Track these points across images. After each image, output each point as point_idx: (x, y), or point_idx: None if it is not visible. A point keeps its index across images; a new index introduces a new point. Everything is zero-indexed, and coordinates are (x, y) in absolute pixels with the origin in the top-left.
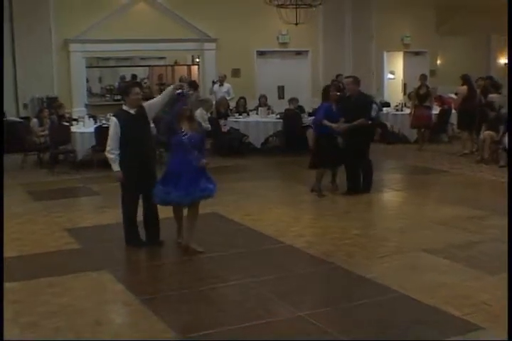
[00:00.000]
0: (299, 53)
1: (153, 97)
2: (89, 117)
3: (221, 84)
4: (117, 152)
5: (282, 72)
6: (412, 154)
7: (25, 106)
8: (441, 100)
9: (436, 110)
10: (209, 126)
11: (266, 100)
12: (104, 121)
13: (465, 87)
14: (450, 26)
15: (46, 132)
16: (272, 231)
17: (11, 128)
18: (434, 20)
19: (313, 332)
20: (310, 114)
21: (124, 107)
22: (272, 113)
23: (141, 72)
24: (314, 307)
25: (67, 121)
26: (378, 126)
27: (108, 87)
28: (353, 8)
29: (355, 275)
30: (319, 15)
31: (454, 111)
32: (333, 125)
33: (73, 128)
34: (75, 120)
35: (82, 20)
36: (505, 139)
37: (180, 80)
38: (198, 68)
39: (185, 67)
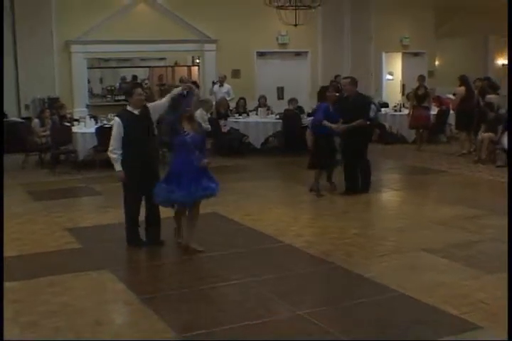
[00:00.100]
0: (298, 54)
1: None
2: (91, 117)
3: (221, 85)
4: (120, 152)
5: (282, 73)
6: (411, 154)
7: (26, 106)
8: (439, 101)
9: (434, 111)
10: (209, 126)
11: (265, 101)
12: (105, 122)
13: (463, 88)
14: (448, 28)
15: (47, 132)
16: (271, 230)
17: (13, 129)
18: (433, 21)
19: (313, 332)
20: (309, 115)
21: (128, 108)
22: (272, 113)
23: (141, 73)
24: (314, 306)
25: (68, 122)
26: (377, 127)
27: (109, 88)
28: (351, 10)
29: (354, 275)
30: (318, 16)
31: (452, 111)
32: (333, 125)
33: (74, 129)
34: (76, 120)
35: (83, 21)
36: (504, 139)
37: (181, 81)
38: (198, 69)
39: (186, 67)
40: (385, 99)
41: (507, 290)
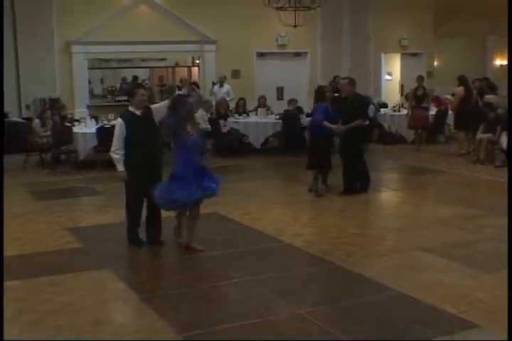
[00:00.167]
0: (297, 55)
1: (154, 98)
2: (91, 118)
3: (221, 85)
4: (122, 152)
5: (281, 74)
6: (410, 154)
7: (27, 107)
8: (438, 101)
9: (433, 111)
10: (209, 126)
11: (265, 101)
12: (105, 122)
13: (462, 88)
14: (447, 28)
15: (48, 133)
16: (271, 230)
17: (14, 129)
18: (431, 22)
19: (312, 331)
20: (308, 115)
21: (130, 108)
22: (271, 114)
23: (142, 74)
24: (314, 305)
25: (69, 122)
26: (375, 127)
27: (109, 88)
28: (350, 11)
29: (353, 274)
30: (317, 17)
31: (450, 112)
32: (333, 126)
33: (75, 129)
34: (77, 121)
35: (84, 22)
36: (502, 140)
37: (181, 81)
38: (199, 69)
39: (186, 68)
40: (384, 99)
41: (506, 290)
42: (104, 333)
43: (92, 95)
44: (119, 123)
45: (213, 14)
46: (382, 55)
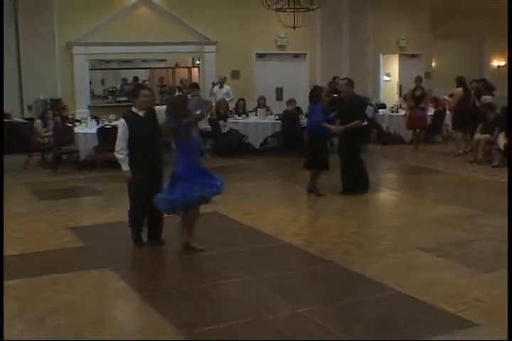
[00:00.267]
0: (296, 56)
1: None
2: (92, 118)
3: (221, 86)
4: (126, 152)
5: (281, 74)
6: (408, 154)
7: (29, 107)
8: (436, 102)
9: (431, 111)
10: (209, 127)
11: (265, 101)
12: (106, 122)
13: (460, 89)
14: (445, 29)
15: (50, 133)
16: (271, 230)
17: (16, 129)
18: (429, 23)
19: (312, 329)
20: (306, 116)
21: (133, 109)
22: (271, 114)
23: (142, 74)
24: (313, 304)
25: (70, 122)
26: (374, 127)
27: (110, 89)
28: (349, 12)
29: (352, 273)
30: (317, 18)
31: (448, 112)
32: (332, 127)
33: (76, 129)
34: (78, 121)
35: (85, 23)
36: (499, 140)
37: (181, 82)
38: (199, 70)
39: (186, 69)
40: (382, 100)
41: (504, 289)
42: (106, 331)
43: (93, 96)
44: (122, 123)
45: (213, 15)
46: (381, 56)
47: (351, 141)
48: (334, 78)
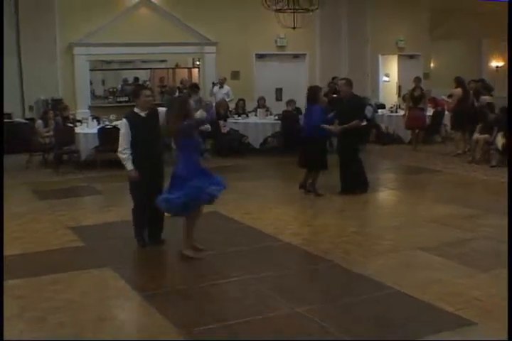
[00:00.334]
0: (296, 56)
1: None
2: (93, 118)
3: (221, 86)
4: (129, 152)
5: (280, 75)
6: (407, 154)
7: (30, 107)
8: (434, 102)
9: (429, 112)
10: (209, 127)
11: (264, 102)
12: (107, 123)
13: (460, 89)
14: (443, 30)
15: (51, 133)
16: (271, 229)
17: (17, 129)
18: (428, 24)
19: (311, 328)
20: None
21: (135, 109)
22: (270, 114)
23: (143, 75)
24: (313, 303)
25: (71, 123)
26: (373, 127)
27: (111, 90)
28: (348, 13)
29: (352, 273)
30: (316, 19)
31: (446, 112)
32: (331, 127)
33: (77, 129)
34: (79, 121)
35: (86, 24)
36: (497, 140)
37: (181, 83)
38: (199, 71)
39: (186, 69)
40: (381, 100)
41: (502, 288)
42: (106, 330)
43: (94, 96)
44: (123, 123)
45: (213, 16)
46: (380, 57)
47: (350, 141)
48: (333, 78)
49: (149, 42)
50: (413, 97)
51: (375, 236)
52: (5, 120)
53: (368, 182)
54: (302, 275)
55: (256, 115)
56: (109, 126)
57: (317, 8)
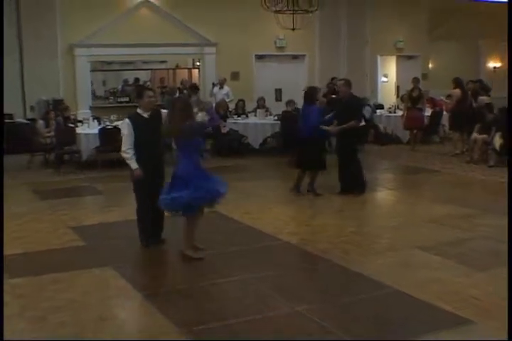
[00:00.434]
0: (295, 57)
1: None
2: (94, 119)
3: (221, 87)
4: (133, 151)
5: (280, 76)
6: (405, 154)
7: (32, 108)
8: (432, 102)
9: (428, 112)
10: (210, 129)
11: (264, 102)
12: (107, 123)
13: (458, 90)
14: (441, 31)
15: (52, 133)
16: (270, 229)
17: (18, 130)
18: (426, 25)
19: (311, 327)
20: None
21: (138, 110)
22: (270, 115)
23: (143, 76)
24: (312, 302)
25: (72, 123)
26: (371, 128)
27: (112, 90)
28: (348, 14)
29: (351, 272)
30: (315, 20)
31: (445, 113)
32: (329, 128)
33: (78, 130)
34: (80, 121)
35: (86, 25)
36: (495, 140)
37: (182, 83)
38: (199, 71)
39: (186, 70)
40: (380, 100)
41: (500, 287)
42: (107, 329)
43: (95, 97)
44: (126, 124)
45: (213, 17)
46: (379, 58)
47: (349, 141)
48: (332, 79)
49: (150, 43)
50: (411, 98)
51: (374, 236)
52: (6, 120)
53: (365, 183)
54: (301, 274)
55: (255, 115)
56: (109, 127)
57: (316, 10)
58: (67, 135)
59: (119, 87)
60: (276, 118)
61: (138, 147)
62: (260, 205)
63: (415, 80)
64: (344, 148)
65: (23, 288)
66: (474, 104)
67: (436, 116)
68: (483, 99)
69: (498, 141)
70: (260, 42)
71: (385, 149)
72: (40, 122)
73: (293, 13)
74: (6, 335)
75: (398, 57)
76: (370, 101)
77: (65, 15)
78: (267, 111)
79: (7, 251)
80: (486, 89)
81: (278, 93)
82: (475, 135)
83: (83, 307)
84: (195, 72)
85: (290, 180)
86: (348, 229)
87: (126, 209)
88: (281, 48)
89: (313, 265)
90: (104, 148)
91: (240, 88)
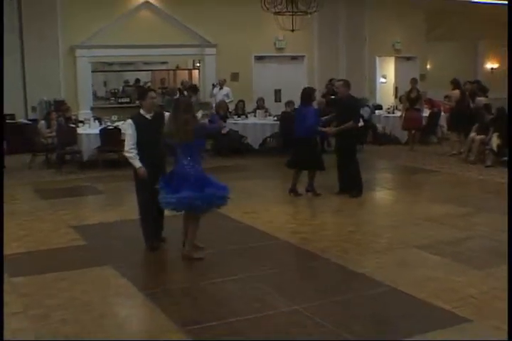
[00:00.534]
0: (295, 58)
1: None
2: (95, 119)
3: (221, 88)
4: (136, 151)
5: (279, 76)
6: (403, 155)
7: (33, 108)
8: (430, 103)
9: (426, 113)
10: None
11: (263, 103)
12: (108, 123)
13: (457, 91)
14: (439, 32)
15: (53, 133)
16: (270, 228)
17: (20, 130)
18: (424, 26)
19: (309, 326)
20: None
21: (141, 111)
22: (269, 115)
23: (144, 76)
24: (311, 301)
25: (73, 123)
26: (370, 128)
27: (112, 91)
28: (346, 16)
29: (349, 271)
30: (314, 22)
31: (442, 113)
32: (326, 129)
33: (79, 130)
34: (81, 122)
35: (87, 26)
36: (493, 140)
37: (182, 84)
38: (199, 72)
39: (187, 71)
40: (378, 101)
41: (497, 286)
42: (108, 327)
43: (96, 97)
44: (129, 124)
45: (213, 19)
46: (377, 59)
47: (347, 141)
48: (331, 80)
49: (150, 44)
50: (409, 98)
51: (373, 235)
52: (8, 121)
53: (362, 185)
54: (300, 273)
55: (255, 116)
56: (110, 127)
57: (315, 11)
58: (68, 135)
59: (120, 87)
60: (275, 118)
61: (140, 147)
62: (260, 205)
63: (413, 81)
64: (343, 149)
65: (26, 286)
66: (472, 105)
67: (434, 116)
68: (481, 99)
69: (495, 141)
70: (260, 43)
71: (384, 149)
72: (42, 122)
73: (292, 15)
74: (10, 334)
75: (396, 58)
76: (369, 102)
77: (67, 16)
78: (266, 111)
79: (10, 250)
80: (483, 90)
81: (277, 94)
82: (473, 135)
83: (85, 306)
84: (196, 72)
85: (289, 180)
86: (347, 229)
87: (127, 209)
88: (280, 49)
89: (312, 264)
90: (105, 148)
91: (239, 89)
